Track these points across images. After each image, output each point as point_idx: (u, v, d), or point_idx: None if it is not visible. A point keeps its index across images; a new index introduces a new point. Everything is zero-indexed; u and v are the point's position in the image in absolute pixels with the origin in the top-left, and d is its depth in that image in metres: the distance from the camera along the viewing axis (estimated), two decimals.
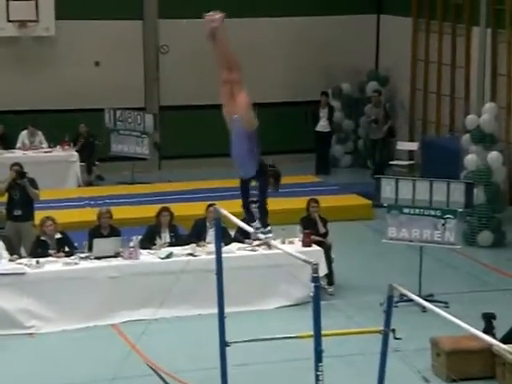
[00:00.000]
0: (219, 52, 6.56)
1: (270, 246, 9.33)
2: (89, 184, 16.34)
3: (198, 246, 10.87)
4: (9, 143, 16.05)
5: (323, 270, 10.76)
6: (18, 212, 11.62)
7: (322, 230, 11.56)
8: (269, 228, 6.73)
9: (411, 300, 7.83)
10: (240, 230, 10.93)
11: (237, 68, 6.67)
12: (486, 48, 15.20)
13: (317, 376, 5.89)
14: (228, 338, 7.21)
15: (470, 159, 13.61)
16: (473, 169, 13.53)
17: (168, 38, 17.89)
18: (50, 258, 10.47)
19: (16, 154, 15.34)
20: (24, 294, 10.15)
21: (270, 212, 10.69)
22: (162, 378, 8.93)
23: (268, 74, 18.06)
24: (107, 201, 14.08)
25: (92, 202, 14.33)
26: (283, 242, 10.71)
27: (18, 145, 16.05)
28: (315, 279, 5.89)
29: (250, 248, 10.98)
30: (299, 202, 12.54)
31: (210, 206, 10.84)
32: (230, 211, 7.51)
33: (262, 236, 6.65)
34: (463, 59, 16.34)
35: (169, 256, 10.62)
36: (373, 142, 17.47)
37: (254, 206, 6.95)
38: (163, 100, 17.93)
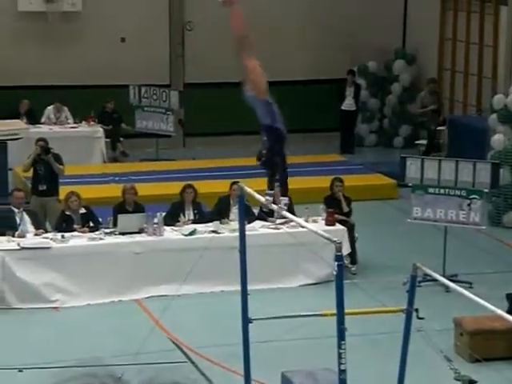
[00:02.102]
0: (232, 23, 6.59)
1: (285, 218, 9.30)
2: (113, 160, 16.40)
3: (221, 223, 10.89)
4: (35, 118, 16.13)
5: (346, 249, 10.75)
6: (42, 187, 11.70)
7: (345, 209, 11.53)
8: (286, 199, 6.76)
9: (435, 280, 7.81)
10: (263, 209, 10.93)
11: (247, 42, 6.66)
12: None
13: (339, 354, 5.90)
14: (251, 315, 7.23)
15: (497, 139, 13.49)
16: (500, 149, 13.41)
17: (194, 15, 17.84)
18: (74, 233, 10.55)
19: (42, 130, 15.41)
20: (49, 268, 10.24)
21: (294, 191, 10.65)
22: (184, 353, 8.99)
23: (294, 52, 17.96)
24: (132, 177, 14.12)
25: (117, 178, 14.39)
26: (307, 221, 10.70)
27: (43, 119, 16.12)
28: (338, 258, 5.88)
29: (273, 226, 10.98)
30: (323, 181, 12.50)
31: (233, 183, 10.85)
32: (254, 189, 7.51)
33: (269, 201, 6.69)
34: (491, 38, 16.15)
35: (192, 233, 10.65)
36: (431, 131, 16.48)
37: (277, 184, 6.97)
38: (188, 77, 17.91)
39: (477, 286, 10.40)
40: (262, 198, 7.11)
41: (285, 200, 6.81)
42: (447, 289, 9.62)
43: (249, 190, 7.36)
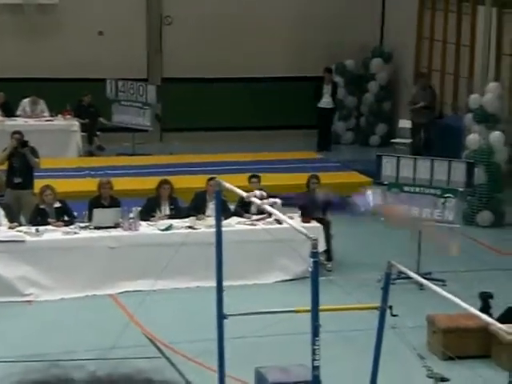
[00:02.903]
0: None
1: (270, 216, 9.26)
2: (89, 154, 16.32)
3: (197, 218, 10.87)
4: (10, 111, 16.00)
5: (322, 246, 10.78)
6: (18, 180, 11.62)
7: None
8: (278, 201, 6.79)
9: (409, 277, 7.85)
10: (240, 205, 10.94)
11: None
12: (491, 27, 15.11)
13: (313, 350, 5.92)
14: (226, 311, 7.23)
15: (472, 138, 13.59)
16: (475, 148, 13.51)
17: (172, 10, 17.79)
18: (49, 227, 10.49)
19: (17, 122, 15.30)
20: (23, 261, 10.18)
21: (270, 187, 10.61)
22: (159, 348, 8.97)
23: (271, 49, 17.97)
24: (108, 171, 14.06)
25: (92, 173, 14.32)
26: None
27: (18, 112, 16.00)
28: (314, 254, 5.90)
29: (249, 222, 10.99)
30: (300, 178, 12.53)
31: (210, 179, 10.84)
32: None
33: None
34: (468, 38, 16.26)
35: (168, 228, 10.63)
36: (418, 125, 16.26)
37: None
38: (166, 72, 17.86)
39: (450, 284, 10.47)
40: (241, 192, 7.11)
41: (275, 200, 6.79)
42: (421, 286, 9.68)
43: (227, 184, 7.35)
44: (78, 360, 8.46)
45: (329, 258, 11.36)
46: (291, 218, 10.94)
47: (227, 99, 17.72)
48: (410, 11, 17.73)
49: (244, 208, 11.06)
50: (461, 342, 8.83)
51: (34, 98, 16.09)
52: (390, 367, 8.10)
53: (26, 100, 16.14)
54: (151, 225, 10.76)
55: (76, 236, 10.38)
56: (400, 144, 17.03)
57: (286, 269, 10.89)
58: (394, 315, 6.80)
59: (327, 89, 17.64)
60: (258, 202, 6.79)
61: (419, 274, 8.95)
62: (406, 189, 11.02)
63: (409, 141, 17.23)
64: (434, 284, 7.31)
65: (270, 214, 8.85)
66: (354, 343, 9.06)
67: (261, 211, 9.30)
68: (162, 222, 10.80)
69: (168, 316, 9.77)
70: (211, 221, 9.91)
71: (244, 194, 6.95)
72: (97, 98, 16.46)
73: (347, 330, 9.26)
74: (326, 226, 11.28)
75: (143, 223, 10.73)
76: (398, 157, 11.39)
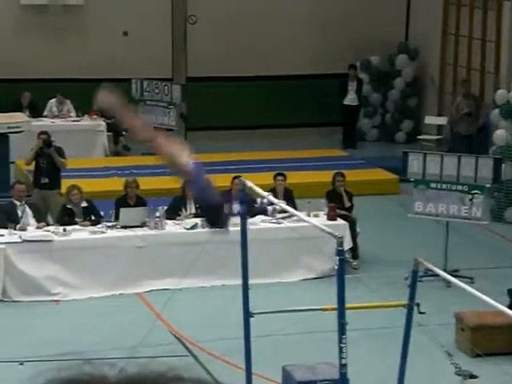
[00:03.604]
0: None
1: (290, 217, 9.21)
2: (115, 154, 16.39)
3: None
4: (37, 111, 16.12)
5: (348, 244, 10.74)
6: (44, 180, 11.70)
7: (347, 203, 11.52)
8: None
9: (436, 275, 7.80)
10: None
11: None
12: None
13: (340, 348, 5.90)
14: (252, 309, 7.23)
15: (499, 134, 13.47)
16: (502, 144, 13.39)
17: (196, 9, 17.82)
18: (76, 226, 10.55)
19: (44, 123, 15.40)
20: (51, 261, 10.25)
21: (295, 185, 10.62)
22: (185, 346, 9.00)
23: (296, 46, 17.94)
24: (134, 171, 14.13)
25: (119, 172, 14.39)
26: (308, 215, 10.70)
27: (45, 112, 16.12)
28: (340, 252, 5.88)
29: (274, 220, 10.98)
30: (325, 176, 12.50)
31: (235, 178, 10.84)
32: (256, 184, 7.50)
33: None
34: (494, 34, 16.12)
35: (194, 227, 10.65)
36: (464, 137, 15.04)
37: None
38: (190, 71, 17.90)
39: (478, 281, 10.40)
40: (264, 193, 7.11)
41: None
42: (448, 284, 9.61)
43: (250, 184, 7.35)
44: (106, 359, 8.50)
45: (355, 256, 11.32)
46: (317, 215, 10.96)
47: (252, 97, 17.72)
48: (435, 7, 17.61)
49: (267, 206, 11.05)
50: (489, 339, 8.77)
51: (61, 97, 16.19)
52: (418, 365, 8.06)
53: (53, 100, 16.25)
54: (177, 224, 10.80)
55: (103, 235, 10.44)
56: (426, 140, 16.94)
57: (311, 267, 10.87)
58: (422, 313, 6.77)
59: (352, 86, 17.57)
60: (274, 202, 6.71)
61: (446, 272, 8.90)
62: (433, 185, 10.96)
63: (435, 137, 17.13)
64: (462, 281, 7.26)
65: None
66: (380, 341, 9.02)
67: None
68: (187, 220, 10.83)
69: (194, 314, 9.79)
70: (236, 219, 9.92)
71: (264, 194, 6.92)
72: (122, 98, 16.51)
73: (374, 327, 9.22)
74: (352, 223, 11.25)
75: (169, 222, 10.77)
76: (425, 153, 11.33)
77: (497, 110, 13.72)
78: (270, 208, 6.64)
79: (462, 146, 14.31)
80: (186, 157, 6.05)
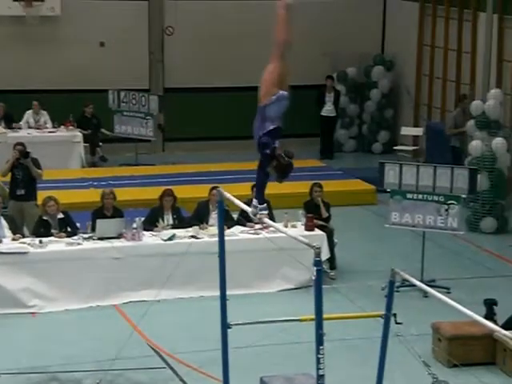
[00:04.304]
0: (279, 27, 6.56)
1: (263, 224, 9.21)
2: (92, 165, 16.34)
3: (200, 228, 10.87)
4: (12, 122, 16.03)
5: (325, 254, 10.77)
6: (20, 191, 11.63)
7: (324, 214, 11.56)
8: (264, 205, 6.67)
9: (413, 285, 7.83)
10: (243, 214, 10.94)
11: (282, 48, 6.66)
12: (493, 34, 15.12)
13: (318, 359, 5.90)
14: (230, 320, 7.22)
15: (475, 145, 13.59)
16: (477, 155, 13.50)
17: (173, 20, 17.83)
18: (52, 238, 10.49)
19: (20, 134, 15.33)
20: (26, 273, 10.17)
21: (273, 196, 10.60)
22: (163, 358, 8.96)
23: None
24: (111, 182, 14.09)
25: (95, 183, 14.34)
26: (286, 226, 10.72)
27: (22, 123, 16.05)
28: (317, 263, 5.89)
29: (252, 231, 10.99)
30: (303, 186, 12.53)
31: (213, 188, 10.84)
32: (233, 194, 7.50)
33: (254, 212, 6.55)
34: (469, 45, 16.27)
35: (171, 238, 10.63)
36: (459, 150, 14.78)
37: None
38: (168, 82, 17.90)
39: (455, 292, 10.45)
40: (243, 205, 7.10)
41: (262, 206, 6.74)
42: (425, 294, 9.67)
43: (228, 194, 7.35)
44: (83, 371, 8.45)
45: (332, 266, 11.34)
46: (294, 226, 10.98)
47: (229, 108, 17.74)
48: (410, 18, 17.75)
49: (247, 217, 11.05)
50: (466, 350, 8.81)
51: (37, 109, 16.13)
52: (395, 375, 8.09)
53: (30, 111, 16.18)
54: (154, 235, 10.77)
55: (79, 247, 10.38)
56: (403, 151, 17.04)
57: (289, 277, 10.87)
58: (399, 323, 6.78)
59: (330, 97, 17.66)
60: (248, 209, 6.70)
61: (423, 282, 8.94)
62: (409, 196, 11.02)
63: (411, 148, 17.23)
64: (438, 291, 7.29)
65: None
66: (358, 351, 9.04)
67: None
68: (165, 231, 10.80)
69: (172, 326, 9.76)
70: (214, 230, 9.91)
71: (244, 207, 6.91)
72: (99, 109, 16.49)
73: (352, 338, 9.24)
74: (329, 233, 11.27)
75: (146, 233, 10.73)
76: (401, 164, 11.39)
77: (472, 121, 13.83)
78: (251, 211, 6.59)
79: (459, 162, 13.85)
80: None
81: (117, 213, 10.97)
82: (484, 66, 15.29)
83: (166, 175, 15.03)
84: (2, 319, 9.91)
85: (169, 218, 11.14)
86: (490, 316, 9.06)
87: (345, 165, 16.84)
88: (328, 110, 17.66)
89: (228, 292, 7.42)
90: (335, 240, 11.45)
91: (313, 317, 5.95)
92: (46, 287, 10.21)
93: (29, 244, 10.31)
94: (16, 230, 10.80)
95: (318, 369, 5.92)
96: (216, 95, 17.78)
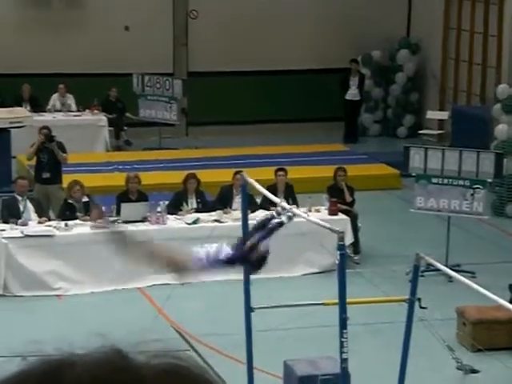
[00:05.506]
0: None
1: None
2: (117, 149, 16.39)
3: (224, 212, 10.89)
4: (38, 106, 16.11)
5: (349, 239, 10.75)
6: (46, 175, 11.71)
7: (348, 198, 11.52)
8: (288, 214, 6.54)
9: (438, 270, 7.80)
10: (266, 198, 10.92)
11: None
12: None
13: (341, 343, 5.91)
14: (253, 304, 7.24)
15: (501, 129, 13.46)
16: (503, 139, 13.38)
17: (197, 3, 17.80)
18: (77, 221, 10.56)
19: (45, 118, 15.40)
20: (52, 256, 10.25)
21: (296, 180, 10.53)
22: (187, 341, 9.01)
23: (298, 41, 17.92)
24: (135, 166, 14.13)
25: (120, 167, 14.39)
26: (310, 210, 10.70)
27: (49, 107, 16.13)
28: (341, 247, 5.89)
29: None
30: (327, 171, 12.50)
31: (236, 173, 10.83)
32: (257, 179, 7.51)
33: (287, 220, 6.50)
34: (495, 28, 16.09)
35: (195, 222, 10.65)
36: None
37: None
38: (192, 66, 17.89)
39: (479, 276, 10.40)
40: (262, 189, 7.08)
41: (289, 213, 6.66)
42: (450, 278, 9.62)
43: (251, 179, 7.35)
44: None
45: (356, 251, 11.32)
46: (318, 210, 10.95)
47: (253, 92, 17.71)
48: (436, 1, 17.58)
49: (271, 201, 11.04)
50: (490, 334, 8.77)
51: (62, 89, 16.20)
52: (419, 359, 8.07)
53: (56, 95, 16.26)
54: (178, 219, 10.80)
55: (104, 230, 10.42)
56: (428, 135, 16.93)
57: (312, 262, 10.87)
58: (423, 307, 6.77)
59: (354, 80, 17.56)
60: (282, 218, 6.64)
61: (448, 266, 8.90)
62: (435, 180, 10.95)
63: (437, 132, 17.11)
64: (463, 276, 7.26)
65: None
66: (382, 336, 9.03)
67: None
68: (189, 215, 10.83)
69: (196, 309, 9.80)
70: (237, 214, 9.92)
71: (265, 192, 6.87)
72: (123, 93, 16.53)
73: (375, 322, 9.23)
74: (353, 218, 11.24)
75: (170, 217, 10.77)
76: (426, 148, 11.32)
77: (498, 105, 13.70)
78: (284, 219, 6.53)
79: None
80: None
81: (141, 197, 11.01)
82: (510, 49, 15.13)
83: (190, 159, 15.05)
84: (29, 301, 10.01)
85: (193, 202, 11.17)
86: None
87: (369, 149, 16.75)
88: (352, 93, 17.56)
89: (251, 276, 7.44)
90: (359, 224, 11.42)
91: (336, 301, 5.96)
92: (72, 270, 10.29)
93: (55, 227, 10.38)
94: (42, 213, 10.88)
95: (342, 352, 5.93)
96: (240, 79, 17.75)
